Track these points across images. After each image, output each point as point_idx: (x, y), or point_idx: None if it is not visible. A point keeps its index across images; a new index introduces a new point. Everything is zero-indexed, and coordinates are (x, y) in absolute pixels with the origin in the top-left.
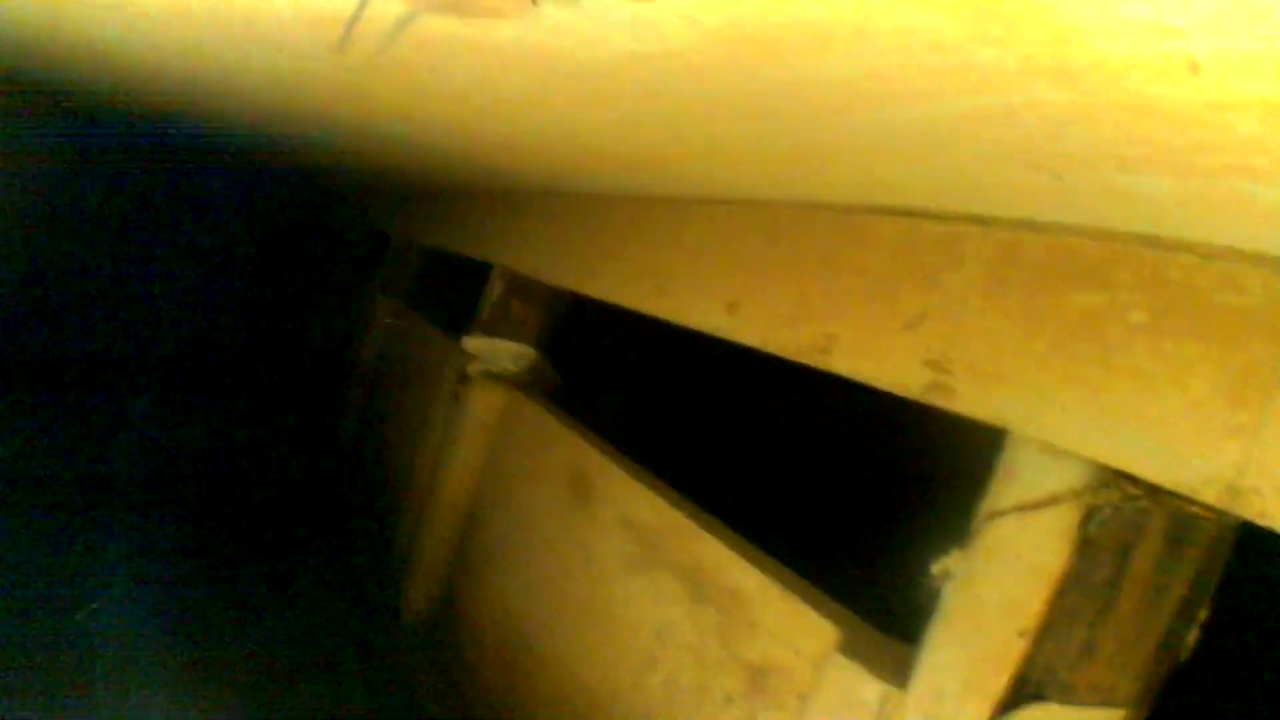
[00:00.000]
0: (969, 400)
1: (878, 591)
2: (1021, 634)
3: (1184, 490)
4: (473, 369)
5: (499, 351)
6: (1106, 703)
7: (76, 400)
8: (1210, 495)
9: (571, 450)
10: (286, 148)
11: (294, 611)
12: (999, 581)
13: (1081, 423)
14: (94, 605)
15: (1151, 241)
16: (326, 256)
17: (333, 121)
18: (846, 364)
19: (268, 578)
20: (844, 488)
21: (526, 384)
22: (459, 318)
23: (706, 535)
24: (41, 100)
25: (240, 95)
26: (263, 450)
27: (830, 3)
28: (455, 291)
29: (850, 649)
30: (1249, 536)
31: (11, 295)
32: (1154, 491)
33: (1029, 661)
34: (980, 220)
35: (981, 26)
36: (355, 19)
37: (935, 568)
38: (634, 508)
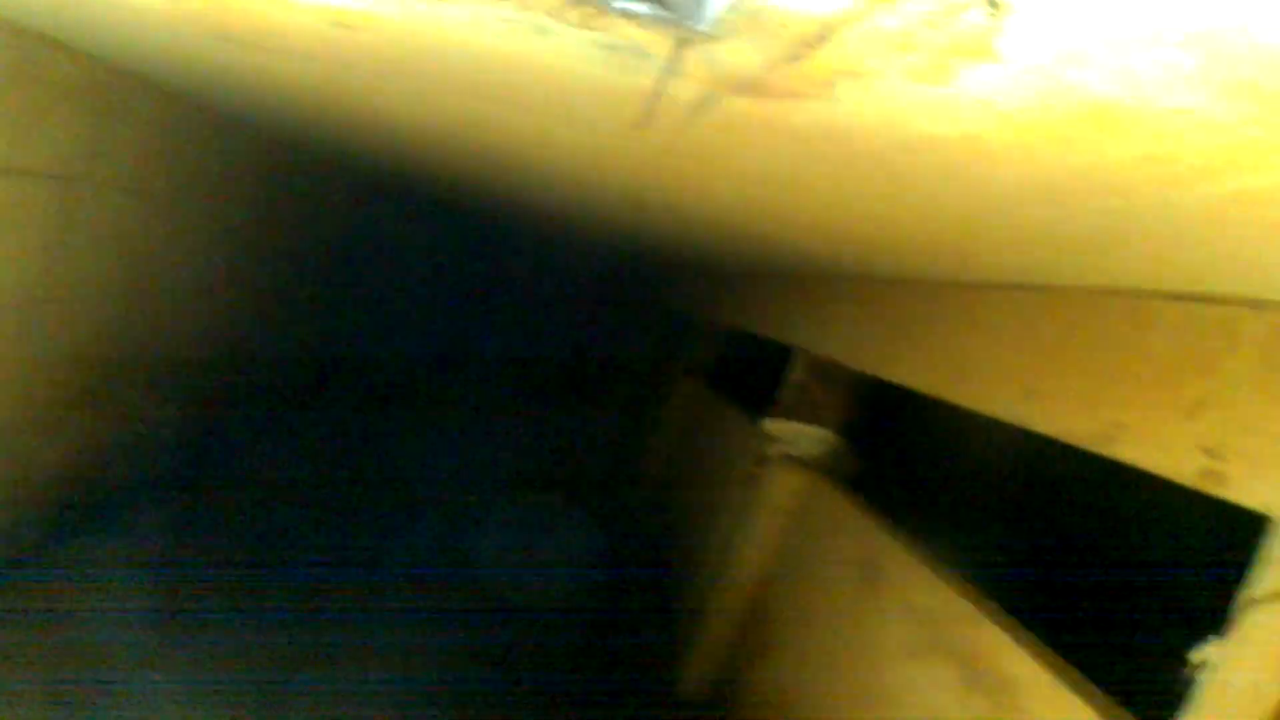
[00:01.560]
0: (1239, 488)
1: (1141, 679)
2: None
3: None
4: (772, 451)
5: (799, 435)
6: None
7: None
8: None
9: (865, 537)
10: (590, 227)
11: (569, 674)
12: (1247, 669)
13: None
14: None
15: None
16: (630, 338)
17: (635, 201)
18: (1131, 452)
19: (551, 650)
20: (1111, 572)
21: (827, 469)
22: (759, 400)
23: (985, 621)
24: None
25: (545, 168)
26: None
27: (1110, 86)
28: (756, 374)
29: None
30: None
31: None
32: None
33: None
34: (1255, 304)
35: (1243, 105)
36: (656, 96)
37: (1194, 655)
38: (919, 592)
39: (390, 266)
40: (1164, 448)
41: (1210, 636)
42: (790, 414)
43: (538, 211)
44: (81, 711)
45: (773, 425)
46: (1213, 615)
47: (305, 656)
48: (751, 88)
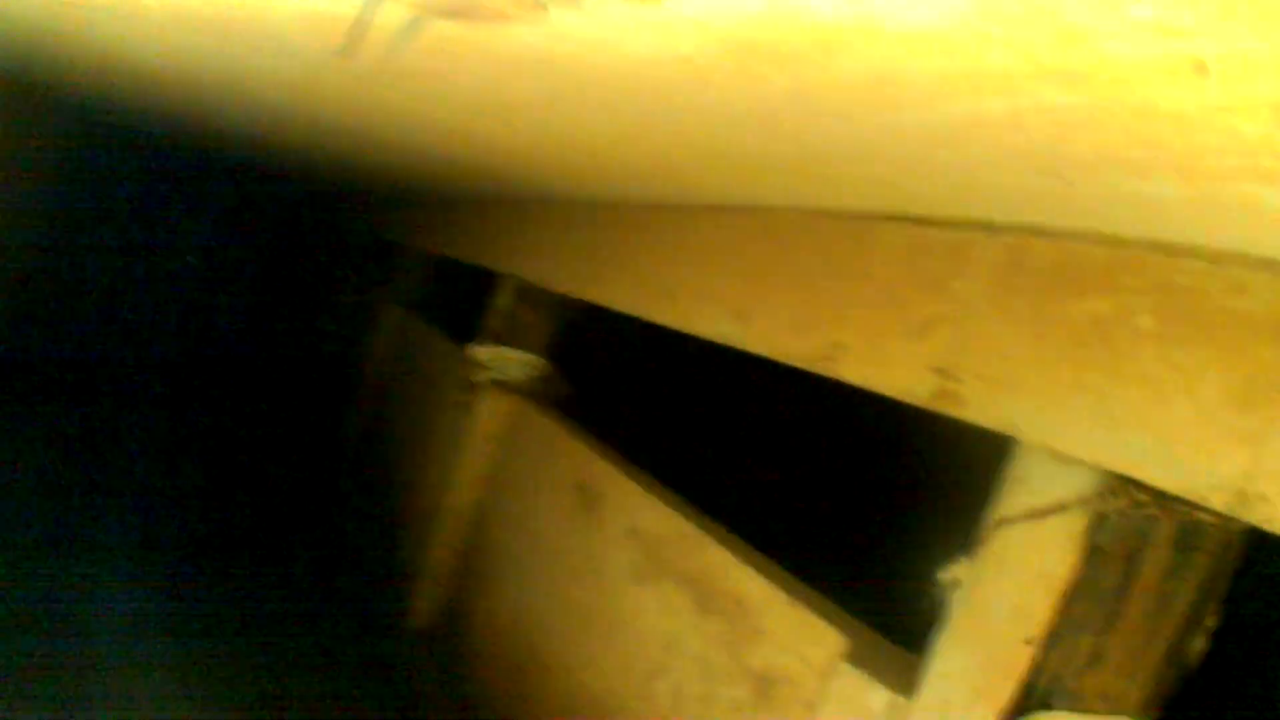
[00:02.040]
0: (977, 408)
1: (885, 600)
2: (1029, 642)
3: (1192, 496)
4: (480, 378)
5: (507, 360)
6: (1114, 711)
7: (79, 406)
8: (1218, 501)
9: (579, 460)
10: (292, 154)
11: (298, 619)
12: (1006, 589)
13: (1090, 430)
14: (95, 610)
15: (1159, 247)
16: (332, 264)
17: (339, 127)
18: (854, 372)
19: (271, 585)
20: (852, 495)
21: (535, 393)
22: (467, 327)
23: (713, 544)
24: (45, 102)
25: (245, 100)
26: (267, 456)
27: (838, 6)
28: (463, 300)
29: (857, 658)
30: (1257, 542)
31: (14, 296)
32: (1162, 498)
33: (1036, 669)
34: (987, 226)
35: (988, 28)
36: (362, 23)
37: (943, 576)
38: (641, 517)
39: (92, 205)
40: (890, 368)
41: (959, 557)
42: (498, 339)
43: (240, 143)
44: None
45: (479, 351)
46: (953, 536)
47: None
48: (461, 11)
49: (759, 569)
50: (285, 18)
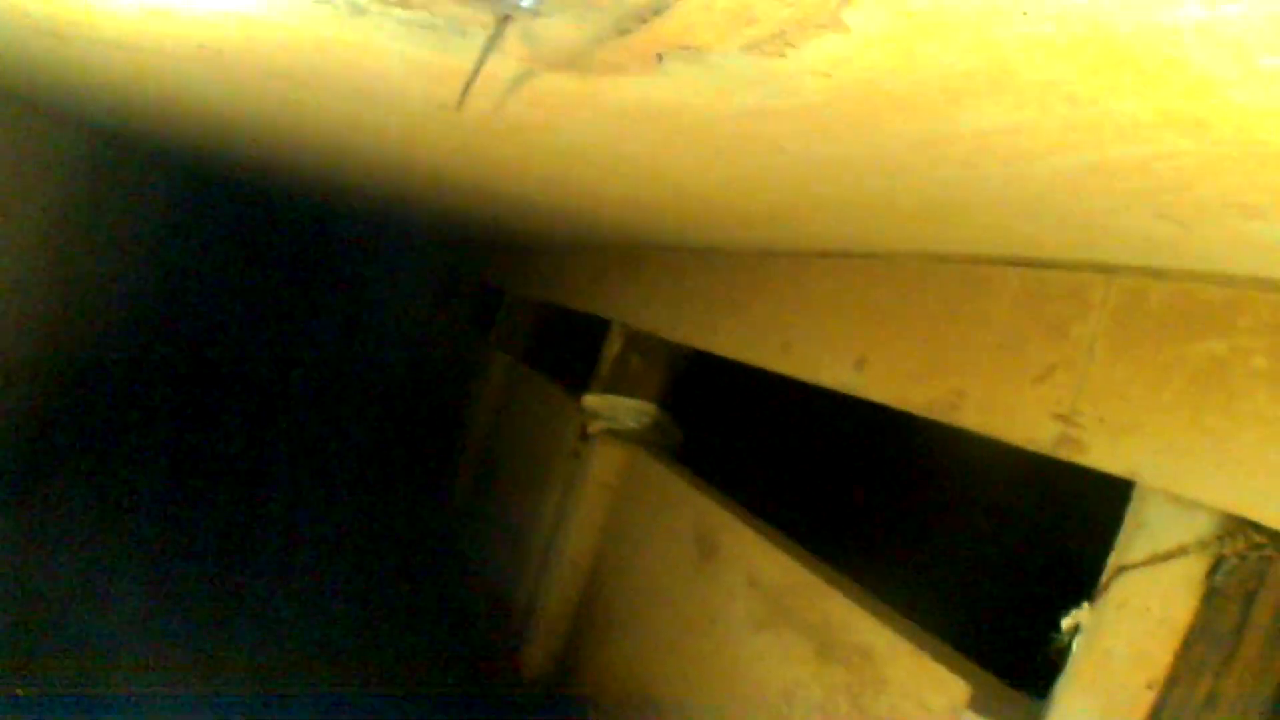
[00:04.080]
0: (1099, 454)
1: (1009, 647)
2: (1150, 686)
3: None
4: (594, 427)
5: (619, 409)
6: None
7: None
8: None
9: (696, 509)
10: (399, 203)
11: (413, 669)
12: (1128, 634)
13: (1208, 472)
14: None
15: (1272, 286)
16: (440, 311)
17: (448, 178)
18: (976, 419)
19: (383, 634)
20: (975, 541)
21: (649, 442)
22: (578, 374)
23: (834, 593)
24: (151, 162)
25: (351, 155)
26: (377, 505)
27: (969, 57)
28: (573, 348)
29: (980, 704)
30: None
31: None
32: (1278, 539)
33: (1157, 713)
34: (1105, 269)
35: (1121, 79)
36: (473, 77)
37: (1065, 622)
38: (760, 566)
39: (208, 255)
40: (1012, 415)
41: (1082, 603)
42: (611, 388)
43: (352, 192)
44: None
45: (592, 400)
46: (1079, 582)
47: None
48: (574, 63)
49: (881, 617)
50: (390, 72)
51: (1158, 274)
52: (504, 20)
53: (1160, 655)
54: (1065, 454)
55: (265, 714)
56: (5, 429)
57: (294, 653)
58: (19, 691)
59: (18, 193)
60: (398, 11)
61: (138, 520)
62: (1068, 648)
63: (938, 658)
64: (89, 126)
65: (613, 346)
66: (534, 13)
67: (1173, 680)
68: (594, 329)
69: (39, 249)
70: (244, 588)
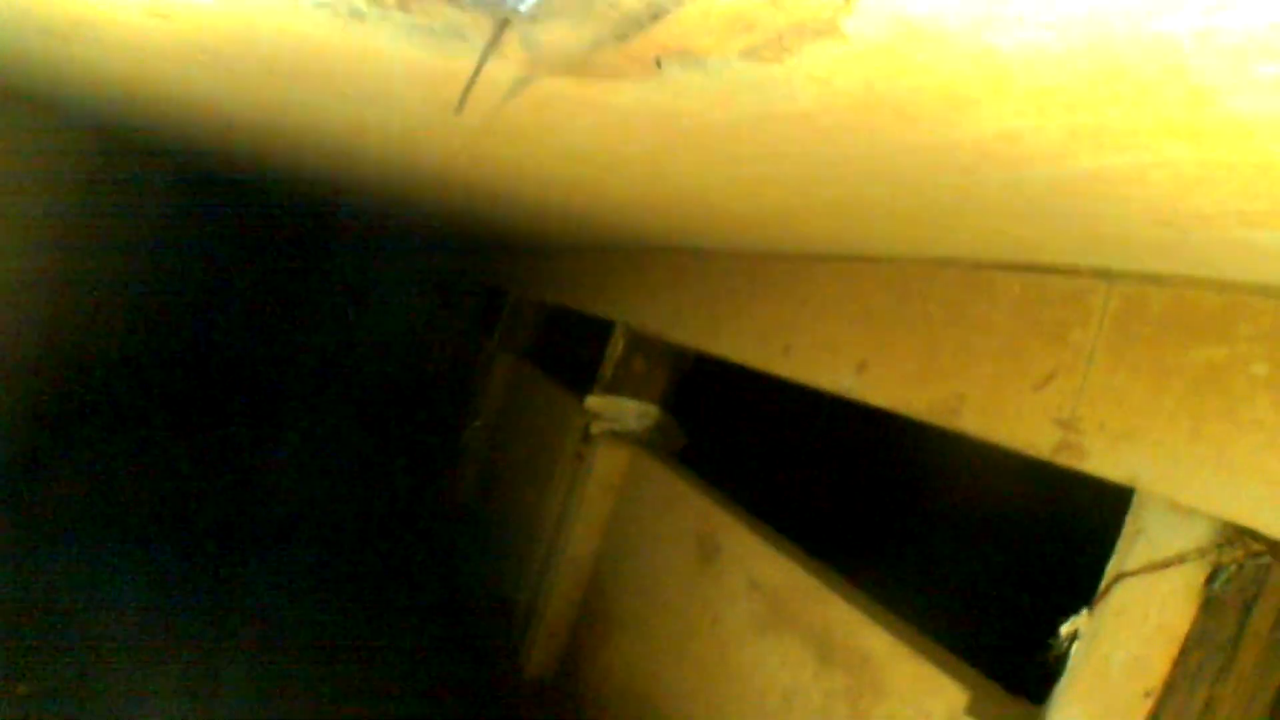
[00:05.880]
0: (1099, 460)
1: (1007, 652)
2: (1147, 693)
3: None
4: (596, 428)
5: (622, 410)
6: None
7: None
8: None
9: (698, 511)
10: (401, 203)
11: (415, 668)
12: (1125, 642)
13: (1208, 479)
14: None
15: (1269, 291)
16: (443, 311)
17: (449, 180)
18: (976, 424)
19: (384, 631)
20: (974, 545)
21: (652, 443)
22: (579, 375)
23: (835, 597)
24: (153, 160)
25: (353, 155)
26: (380, 502)
27: (968, 64)
28: (577, 349)
29: (979, 710)
30: None
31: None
32: (1276, 547)
33: None
34: (1105, 275)
35: (1119, 88)
36: (472, 81)
37: (1064, 628)
38: (762, 569)
39: (211, 254)
40: (1012, 421)
41: (1081, 610)
42: (613, 389)
43: (353, 193)
44: None
45: (595, 401)
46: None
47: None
48: (573, 68)
49: (881, 622)
50: (392, 74)
51: (1157, 280)
52: (502, 25)
53: (1158, 663)
54: (1065, 460)
55: (266, 713)
56: (7, 426)
57: (293, 649)
58: (20, 690)
59: (19, 191)
60: (396, 15)
61: (139, 518)
62: (1066, 654)
63: (936, 663)
64: (90, 125)
65: (616, 348)
66: (532, 18)
67: (1170, 688)
68: (597, 330)
69: (40, 247)
70: (243, 586)
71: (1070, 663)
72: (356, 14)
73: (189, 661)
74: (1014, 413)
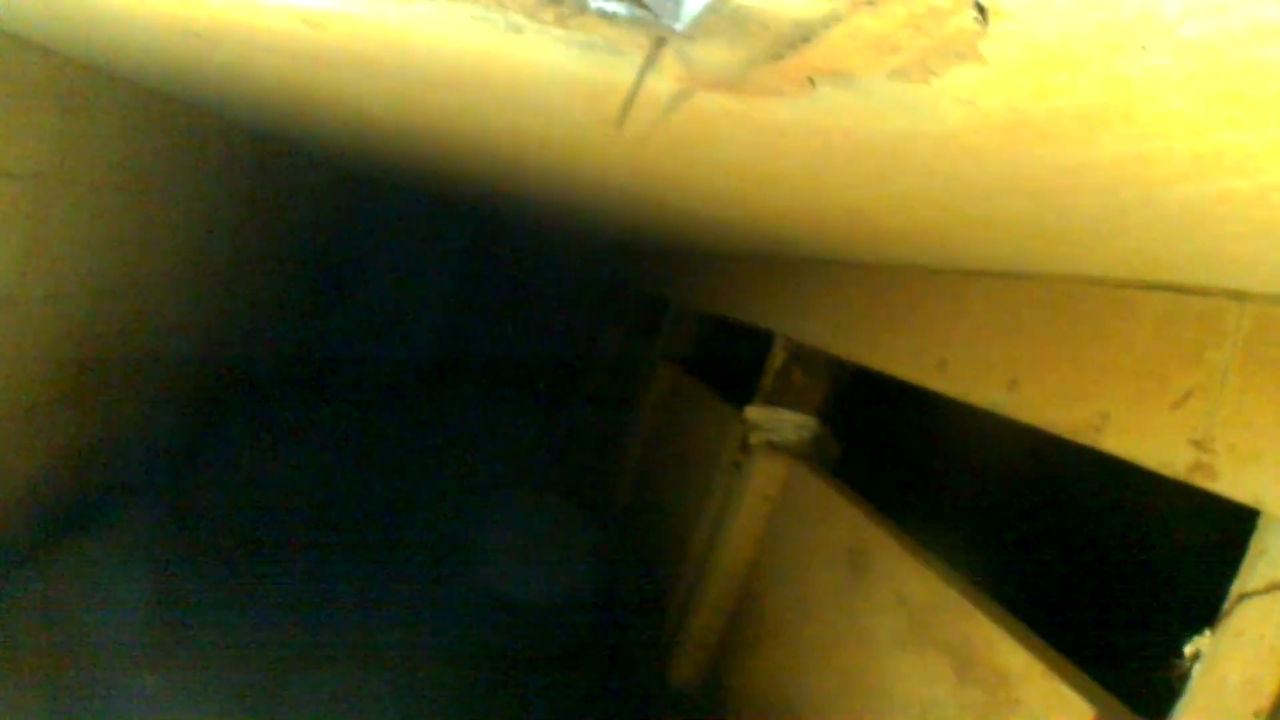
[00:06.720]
0: (1229, 481)
1: (1137, 670)
2: (1256, 714)
3: None
4: (755, 438)
5: (781, 421)
6: None
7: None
8: None
9: (850, 523)
10: (562, 212)
11: (561, 674)
12: (1240, 662)
13: None
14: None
15: None
16: (607, 318)
17: (608, 190)
18: (1117, 444)
19: (540, 641)
20: (1105, 565)
21: (808, 455)
22: (737, 385)
23: (977, 614)
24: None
25: (515, 164)
26: (537, 508)
27: (1100, 89)
28: (733, 358)
29: None
30: None
31: None
32: None
33: None
34: (1237, 295)
35: (1234, 113)
36: (632, 96)
37: (1187, 649)
38: (909, 584)
39: (371, 259)
40: (1151, 440)
41: (1204, 629)
42: (772, 400)
43: (514, 202)
44: (80, 712)
45: (754, 412)
46: (1205, 607)
47: (302, 655)
48: (730, 85)
49: (1019, 639)
50: (553, 86)
51: None
52: (659, 43)
53: (1269, 684)
54: (1198, 480)
55: (411, 702)
56: (164, 428)
57: (441, 642)
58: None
59: (173, 195)
60: (555, 30)
61: (302, 510)
62: (1188, 674)
63: (1068, 680)
64: (248, 128)
65: (776, 359)
66: (688, 37)
67: (1277, 710)
68: (756, 340)
69: (194, 251)
70: (395, 581)
71: (1190, 682)
72: (515, 27)
73: (338, 653)
74: (1152, 432)
